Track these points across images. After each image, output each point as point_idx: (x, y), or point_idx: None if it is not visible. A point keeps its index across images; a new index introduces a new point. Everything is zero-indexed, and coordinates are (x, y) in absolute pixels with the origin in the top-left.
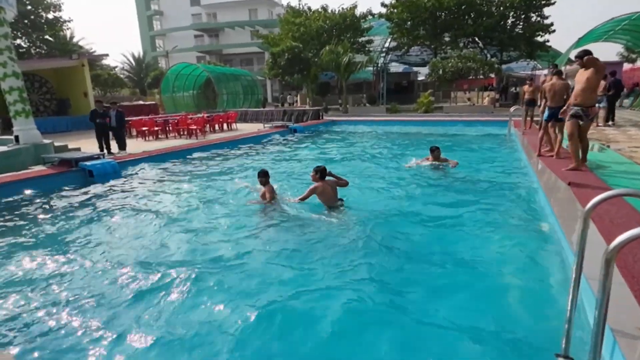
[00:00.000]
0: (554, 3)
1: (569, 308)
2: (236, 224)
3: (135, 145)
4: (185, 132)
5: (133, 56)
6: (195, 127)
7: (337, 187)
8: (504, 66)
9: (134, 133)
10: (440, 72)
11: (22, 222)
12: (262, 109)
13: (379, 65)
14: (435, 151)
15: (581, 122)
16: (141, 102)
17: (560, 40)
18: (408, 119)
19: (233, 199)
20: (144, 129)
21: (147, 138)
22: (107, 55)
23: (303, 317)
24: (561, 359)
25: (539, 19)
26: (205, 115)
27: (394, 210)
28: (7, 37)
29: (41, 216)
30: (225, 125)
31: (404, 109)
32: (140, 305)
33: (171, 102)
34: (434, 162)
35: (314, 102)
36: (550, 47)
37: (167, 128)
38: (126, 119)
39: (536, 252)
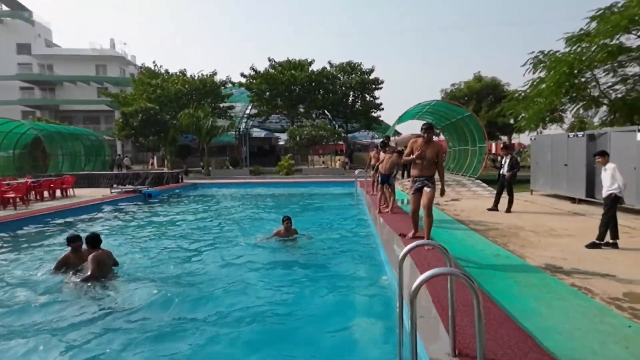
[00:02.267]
0: (381, 88)
1: (397, 345)
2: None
3: None
4: None
5: None
6: (13, 194)
7: None
8: (349, 135)
9: None
10: (297, 138)
11: None
12: (110, 171)
13: (241, 130)
14: (286, 221)
15: (427, 189)
16: None
17: (391, 115)
18: (271, 180)
19: (42, 286)
20: None
21: None
22: None
23: None
24: None
25: (371, 98)
26: (30, 180)
27: (235, 278)
28: None
29: None
30: (59, 192)
31: (267, 171)
32: None
33: None
34: (284, 238)
35: (173, 164)
36: (382, 121)
37: None
38: None
39: (380, 300)
